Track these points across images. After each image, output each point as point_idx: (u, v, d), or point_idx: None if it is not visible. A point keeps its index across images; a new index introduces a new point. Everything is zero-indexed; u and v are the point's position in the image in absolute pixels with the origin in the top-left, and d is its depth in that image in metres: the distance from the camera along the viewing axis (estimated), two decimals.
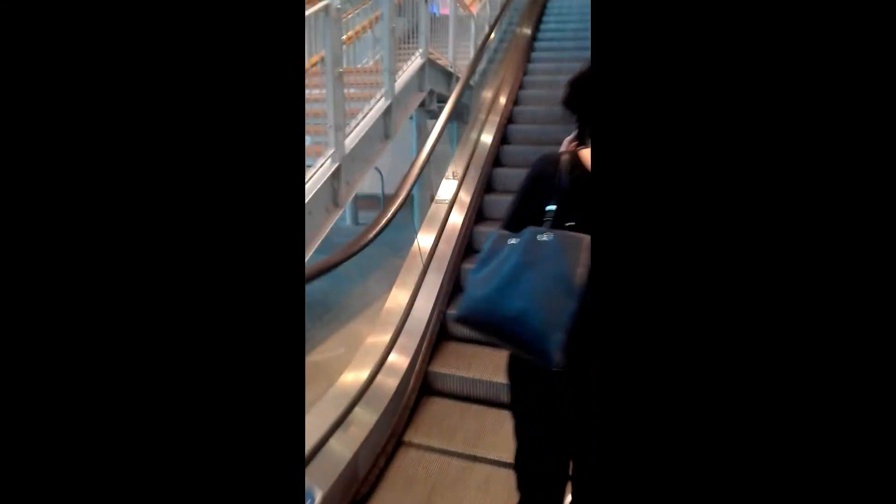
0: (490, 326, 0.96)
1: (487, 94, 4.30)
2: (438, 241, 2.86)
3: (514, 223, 1.01)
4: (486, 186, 3.53)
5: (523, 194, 1.05)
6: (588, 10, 6.22)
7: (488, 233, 1.14)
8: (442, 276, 2.69)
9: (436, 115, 4.75)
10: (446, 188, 3.23)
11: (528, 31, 5.69)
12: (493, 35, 4.66)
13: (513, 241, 0.97)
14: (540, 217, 0.96)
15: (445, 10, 5.57)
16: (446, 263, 2.77)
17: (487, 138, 3.85)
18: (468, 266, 2.96)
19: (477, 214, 3.29)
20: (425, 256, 2.71)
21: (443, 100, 4.91)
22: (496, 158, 3.77)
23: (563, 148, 1.10)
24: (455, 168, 3.40)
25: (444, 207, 3.07)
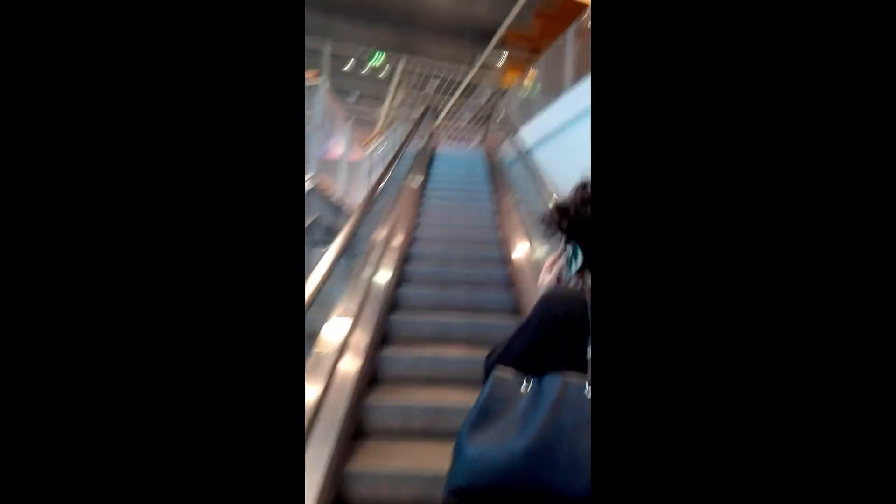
0: (517, 496, 0.83)
1: (381, 229, 3.94)
2: (322, 401, 2.15)
3: (525, 361, 0.94)
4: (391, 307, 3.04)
5: (540, 333, 0.95)
6: (471, 159, 6.78)
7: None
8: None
9: (319, 245, 4.27)
10: (335, 328, 2.60)
11: (420, 176, 5.70)
12: (385, 178, 4.47)
13: (526, 387, 0.89)
14: (559, 358, 0.89)
15: (333, 154, 5.42)
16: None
17: (385, 266, 3.40)
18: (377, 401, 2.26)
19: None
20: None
21: (330, 231, 4.48)
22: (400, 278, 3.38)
23: (547, 275, 1.01)
24: (348, 304, 2.82)
25: (331, 354, 2.41)
